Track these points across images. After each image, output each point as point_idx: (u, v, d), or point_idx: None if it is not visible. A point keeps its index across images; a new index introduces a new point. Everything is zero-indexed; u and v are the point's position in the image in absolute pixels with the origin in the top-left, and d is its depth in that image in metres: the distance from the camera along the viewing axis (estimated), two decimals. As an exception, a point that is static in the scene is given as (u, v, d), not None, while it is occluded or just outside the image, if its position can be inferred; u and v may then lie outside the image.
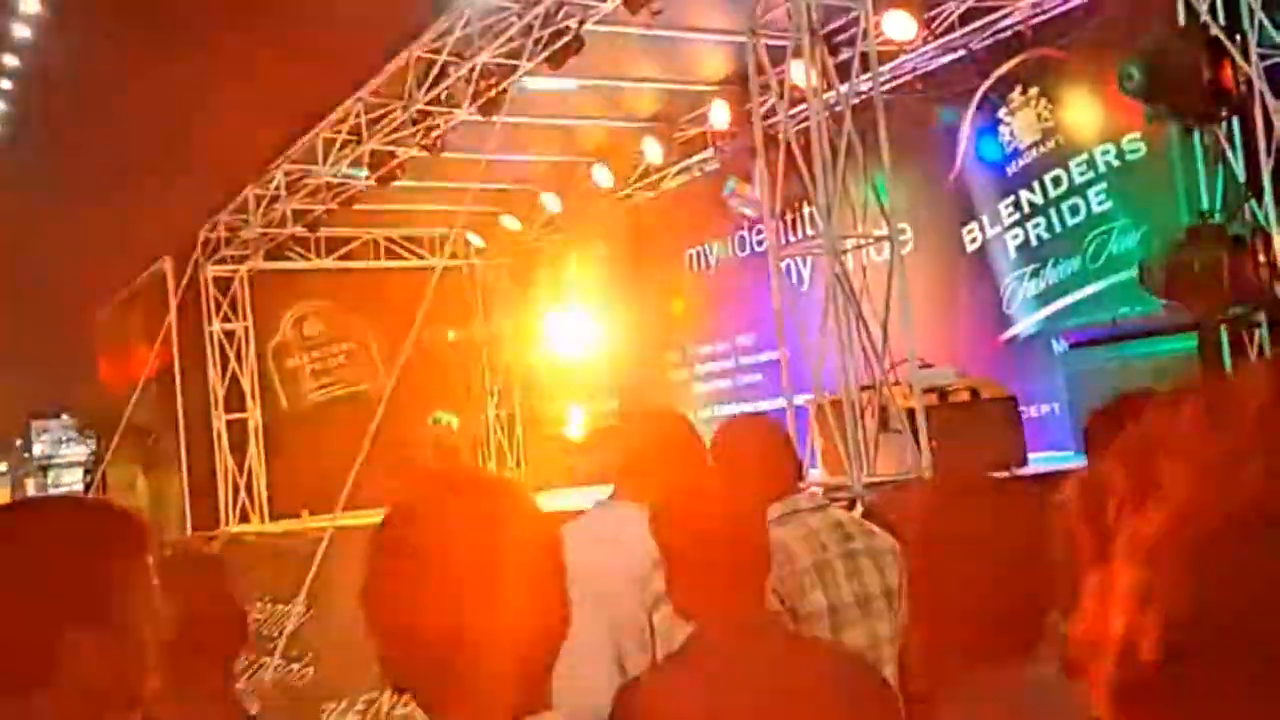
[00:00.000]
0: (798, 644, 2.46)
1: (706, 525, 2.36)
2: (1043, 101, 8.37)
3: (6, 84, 31.34)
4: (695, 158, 11.09)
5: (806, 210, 9.62)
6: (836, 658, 2.50)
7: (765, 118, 7.22)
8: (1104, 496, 0.67)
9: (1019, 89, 8.50)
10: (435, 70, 8.97)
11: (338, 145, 10.31)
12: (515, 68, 8.39)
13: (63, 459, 49.25)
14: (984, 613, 1.90)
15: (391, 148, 9.98)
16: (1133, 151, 7.78)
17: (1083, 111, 8.13)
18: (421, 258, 13.84)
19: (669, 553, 2.37)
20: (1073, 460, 6.72)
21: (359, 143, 10.01)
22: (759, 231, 10.75)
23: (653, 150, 11.14)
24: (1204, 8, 6.60)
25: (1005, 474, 5.49)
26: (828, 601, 3.14)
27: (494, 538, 1.36)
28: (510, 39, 8.30)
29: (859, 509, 4.91)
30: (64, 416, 48.02)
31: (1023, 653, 1.92)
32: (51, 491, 50.04)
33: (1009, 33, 8.35)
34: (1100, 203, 8.00)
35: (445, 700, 1.35)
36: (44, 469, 49.70)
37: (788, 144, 6.26)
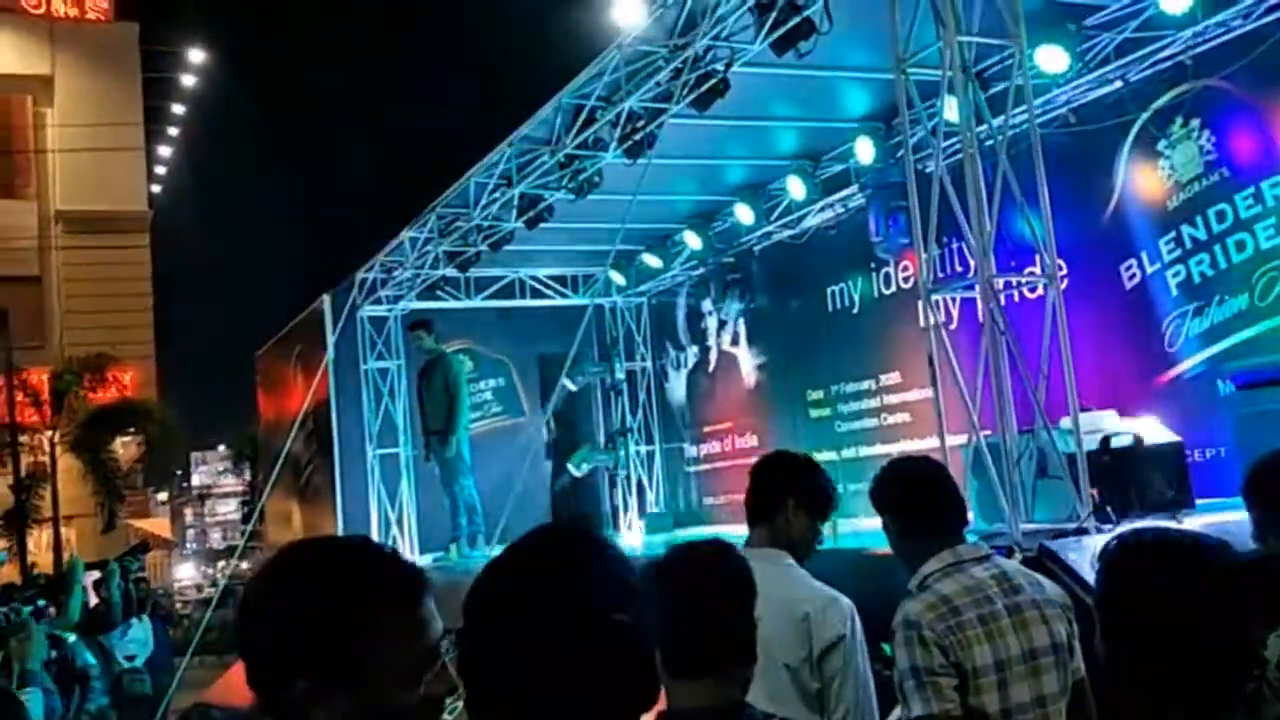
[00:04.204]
0: None
1: None
2: (1205, 133, 8.08)
3: (174, 131, 33.20)
4: (838, 194, 11.04)
5: (954, 245, 9.48)
6: None
7: (913, 153, 7.17)
8: None
9: (1179, 121, 8.21)
10: (584, 115, 9.16)
11: (489, 189, 10.61)
12: (661, 110, 8.51)
13: (220, 489, 51.58)
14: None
15: (540, 191, 10.22)
16: (1305, 184, 7.45)
17: (1248, 143, 7.82)
18: (566, 296, 14.12)
19: None
20: (1242, 508, 6.42)
21: (509, 186, 10.28)
22: (905, 268, 10.62)
23: (796, 187, 11.15)
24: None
25: (1173, 523, 5.29)
26: (994, 657, 3.06)
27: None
28: (657, 83, 8.43)
29: (1017, 557, 4.79)
30: (221, 448, 50.27)
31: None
32: (208, 520, 52.26)
33: (1168, 63, 8.10)
34: (1269, 238, 7.65)
35: None
36: (202, 498, 52.10)
37: (940, 181, 6.19)
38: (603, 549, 1.54)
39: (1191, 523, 5.48)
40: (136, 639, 9.96)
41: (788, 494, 3.50)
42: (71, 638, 8.19)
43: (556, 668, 1.42)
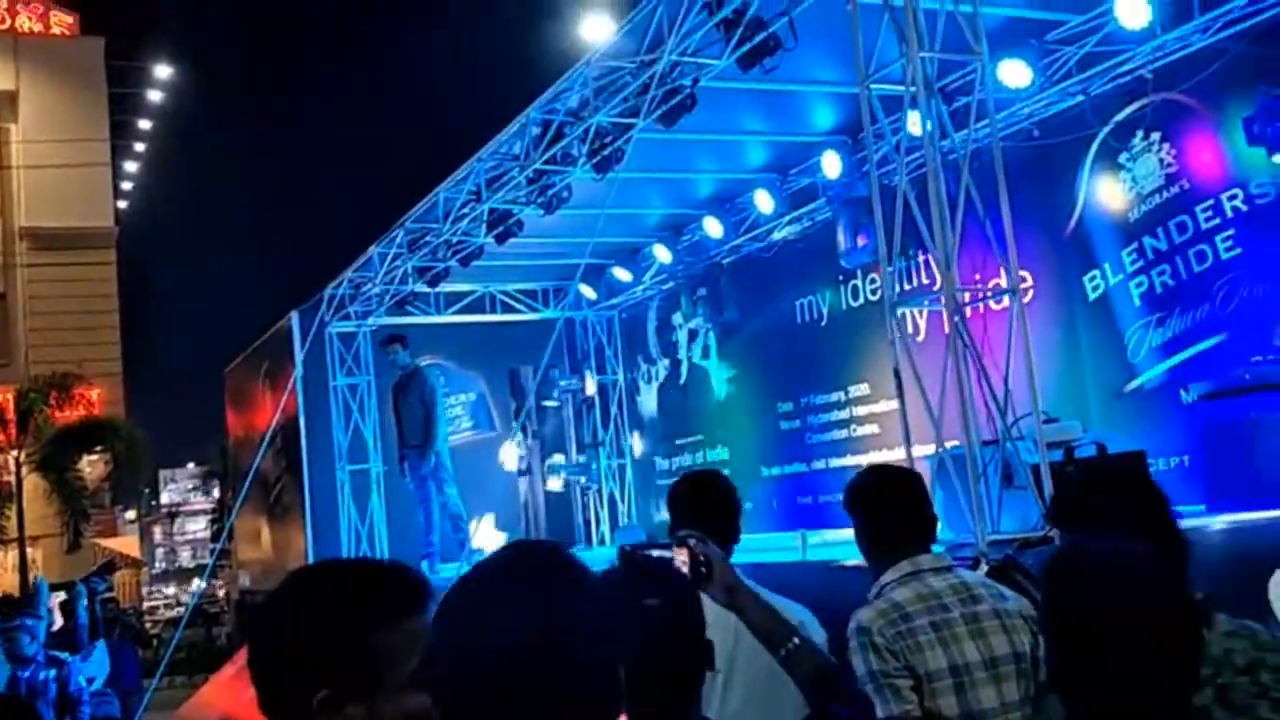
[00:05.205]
0: None
1: None
2: (1165, 146, 8.20)
3: (140, 146, 33.01)
4: (806, 207, 11.12)
5: (921, 258, 9.55)
6: None
7: (878, 167, 7.23)
8: None
9: (1140, 134, 8.33)
10: (552, 130, 9.18)
11: (458, 204, 10.61)
12: (629, 126, 8.55)
13: (190, 507, 51.14)
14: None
15: (509, 206, 10.23)
16: (1261, 196, 7.56)
17: (1208, 156, 7.94)
18: (536, 310, 14.12)
19: None
20: (1204, 515, 6.50)
21: (478, 201, 10.28)
22: (872, 281, 10.70)
23: (764, 200, 11.21)
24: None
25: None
26: (949, 662, 3.09)
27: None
28: (625, 99, 8.47)
29: (983, 568, 4.83)
30: (190, 465, 49.87)
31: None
32: (177, 538, 51.77)
33: (1129, 77, 8.21)
34: (1228, 249, 7.77)
35: None
36: (172, 517, 51.61)
37: (904, 194, 6.24)
38: (569, 565, 1.55)
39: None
40: (95, 661, 9.84)
41: (737, 516, 3.52)
42: (68, 657, 8.09)
43: (525, 683, 1.43)
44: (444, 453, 11.14)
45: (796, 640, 2.47)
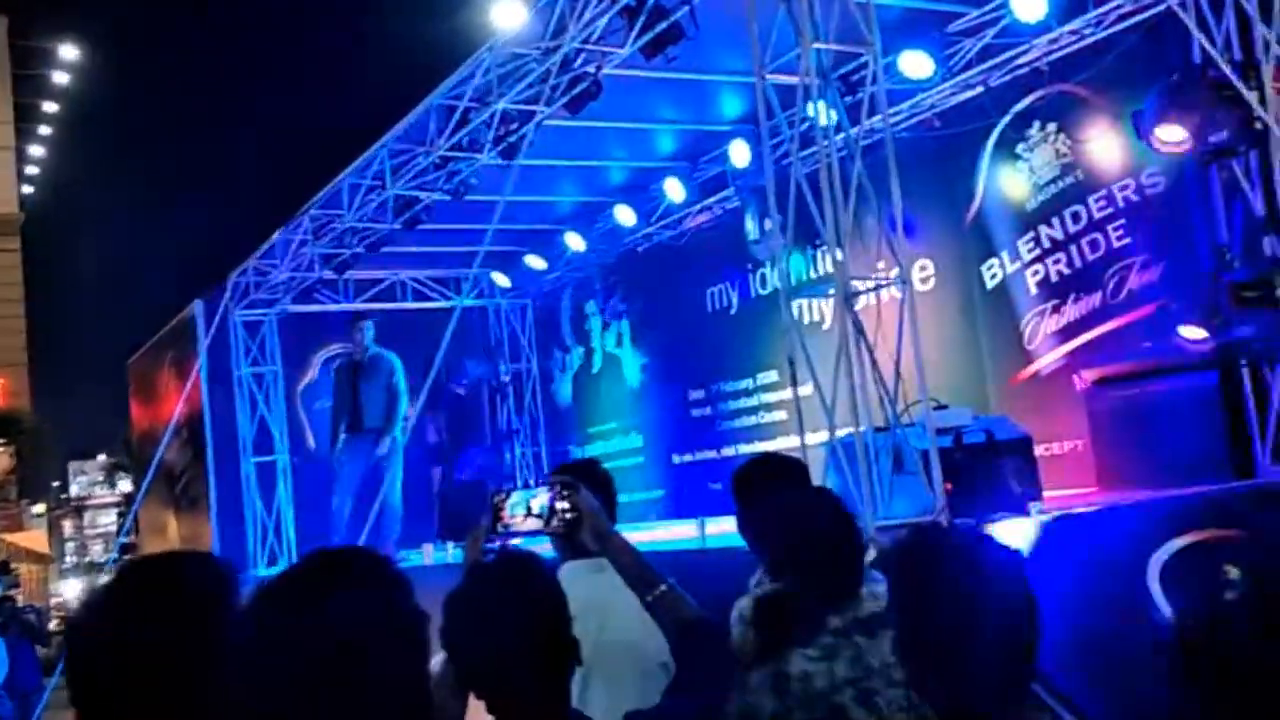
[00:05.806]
0: None
1: None
2: (1061, 137, 8.37)
3: (46, 130, 32.04)
4: (715, 196, 11.15)
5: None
6: None
7: (782, 158, 7.27)
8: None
9: (1037, 125, 8.50)
10: (457, 117, 9.10)
11: (363, 190, 10.46)
12: (535, 112, 8.49)
13: (98, 499, 49.88)
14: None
15: (416, 192, 10.11)
16: (1152, 186, 7.76)
17: (1101, 146, 8.12)
18: (449, 298, 13.96)
19: None
20: (1096, 498, 6.67)
21: (384, 188, 10.15)
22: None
23: (674, 189, 11.23)
24: (1219, 43, 6.60)
25: (1022, 517, 5.47)
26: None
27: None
28: (529, 85, 8.41)
29: (871, 553, 4.88)
30: (100, 457, 48.65)
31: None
32: (88, 532, 50.51)
33: (1026, 69, 8.36)
34: (1120, 238, 7.97)
35: None
36: (80, 510, 50.33)
37: (798, 184, 6.27)
38: (375, 571, 1.50)
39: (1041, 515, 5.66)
40: (-10, 661, 9.57)
41: (614, 503, 3.52)
42: None
43: (318, 696, 1.38)
44: (400, 440, 10.86)
45: (664, 586, 2.48)
